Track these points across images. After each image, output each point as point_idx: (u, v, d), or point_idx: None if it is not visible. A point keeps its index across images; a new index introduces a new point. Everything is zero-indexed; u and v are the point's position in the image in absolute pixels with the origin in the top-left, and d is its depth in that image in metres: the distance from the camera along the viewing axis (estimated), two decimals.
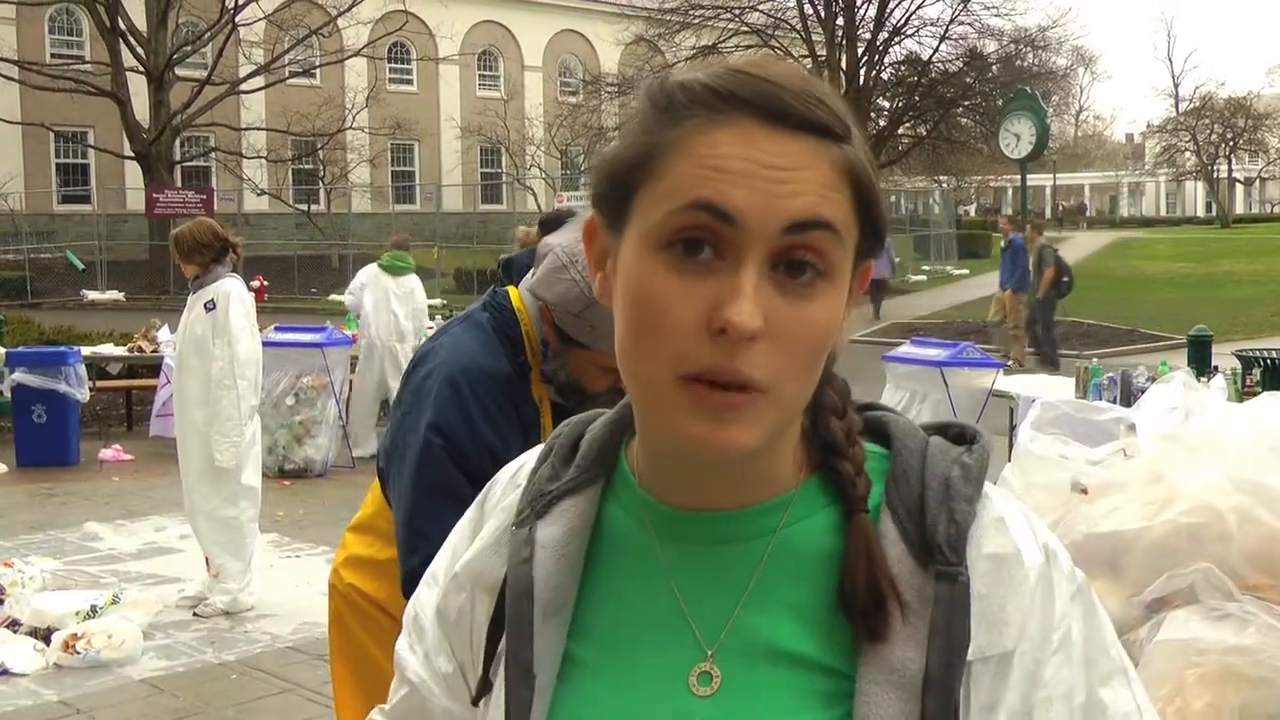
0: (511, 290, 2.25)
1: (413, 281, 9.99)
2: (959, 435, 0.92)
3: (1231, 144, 54.87)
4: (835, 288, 0.82)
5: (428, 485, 2.09)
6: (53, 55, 31.63)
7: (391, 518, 2.36)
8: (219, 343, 5.78)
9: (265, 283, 13.81)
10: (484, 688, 0.94)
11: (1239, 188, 60.25)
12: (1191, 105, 57.25)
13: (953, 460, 0.87)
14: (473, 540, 1.01)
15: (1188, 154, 56.23)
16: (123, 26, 25.81)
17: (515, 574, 0.91)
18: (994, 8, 27.92)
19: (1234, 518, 2.26)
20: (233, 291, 5.82)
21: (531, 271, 2.19)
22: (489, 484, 1.05)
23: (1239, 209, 57.03)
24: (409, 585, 2.10)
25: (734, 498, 0.87)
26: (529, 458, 1.02)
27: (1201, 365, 6.25)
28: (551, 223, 2.20)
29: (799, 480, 0.88)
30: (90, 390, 10.05)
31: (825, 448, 0.89)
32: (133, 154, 27.19)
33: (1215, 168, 55.92)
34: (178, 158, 28.87)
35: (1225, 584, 2.21)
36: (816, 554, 0.86)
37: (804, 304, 0.79)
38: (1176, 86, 66.46)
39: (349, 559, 2.50)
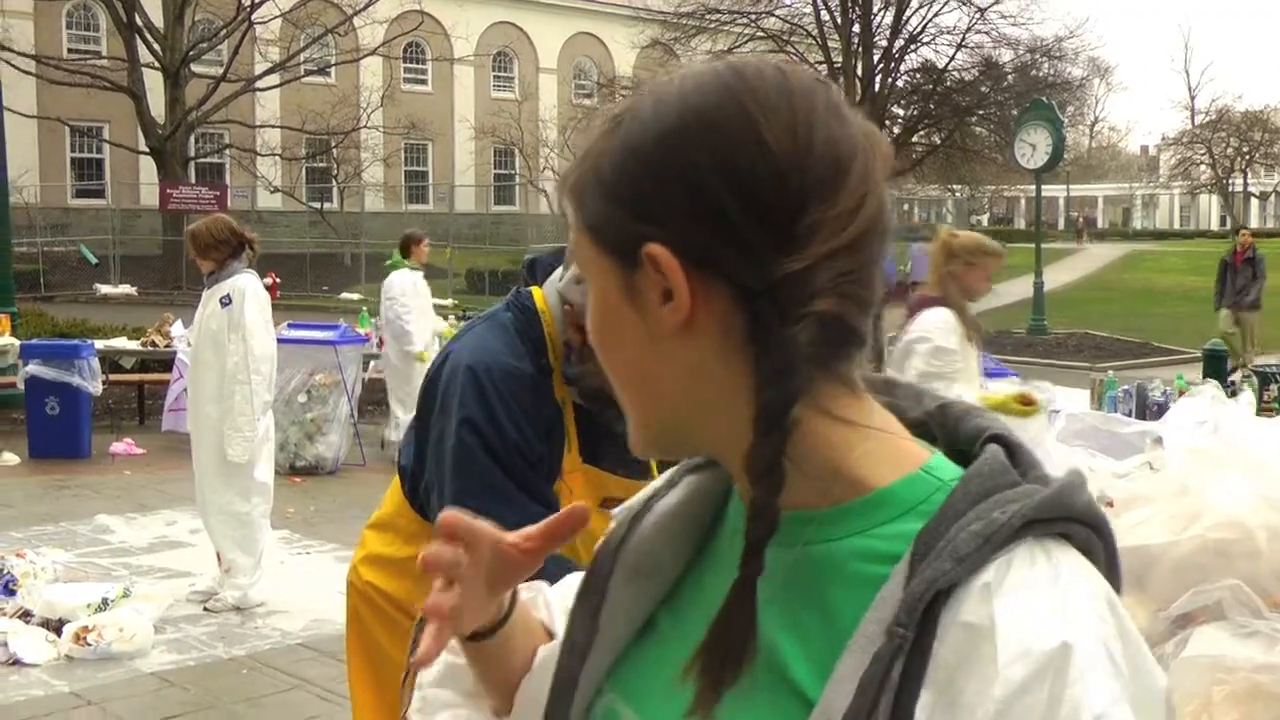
0: (535, 291, 2.24)
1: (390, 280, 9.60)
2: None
3: (1247, 158, 54.69)
4: (593, 291, 0.87)
5: (468, 485, 2.09)
6: (69, 50, 31.75)
7: (412, 516, 2.37)
8: (234, 338, 5.78)
9: (278, 280, 13.79)
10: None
11: (1254, 202, 60.04)
12: (1207, 118, 57.09)
13: (988, 513, 0.76)
14: None
15: (1203, 167, 56.05)
16: (139, 23, 25.91)
17: (617, 527, 0.95)
18: (1011, 17, 27.93)
19: (1263, 535, 2.24)
20: (248, 287, 5.83)
21: (559, 273, 2.18)
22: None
23: (1254, 223, 56.76)
24: None
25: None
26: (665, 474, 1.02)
27: (1219, 380, 6.21)
28: None
29: (852, 496, 0.81)
30: (103, 384, 10.07)
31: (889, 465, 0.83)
32: (147, 149, 27.27)
33: (1230, 181, 55.74)
34: (192, 154, 28.97)
35: (1254, 601, 2.19)
36: (838, 577, 0.80)
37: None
38: (1193, 99, 66.26)
39: (368, 557, 2.49)
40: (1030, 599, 0.73)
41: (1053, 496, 0.76)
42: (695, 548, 0.92)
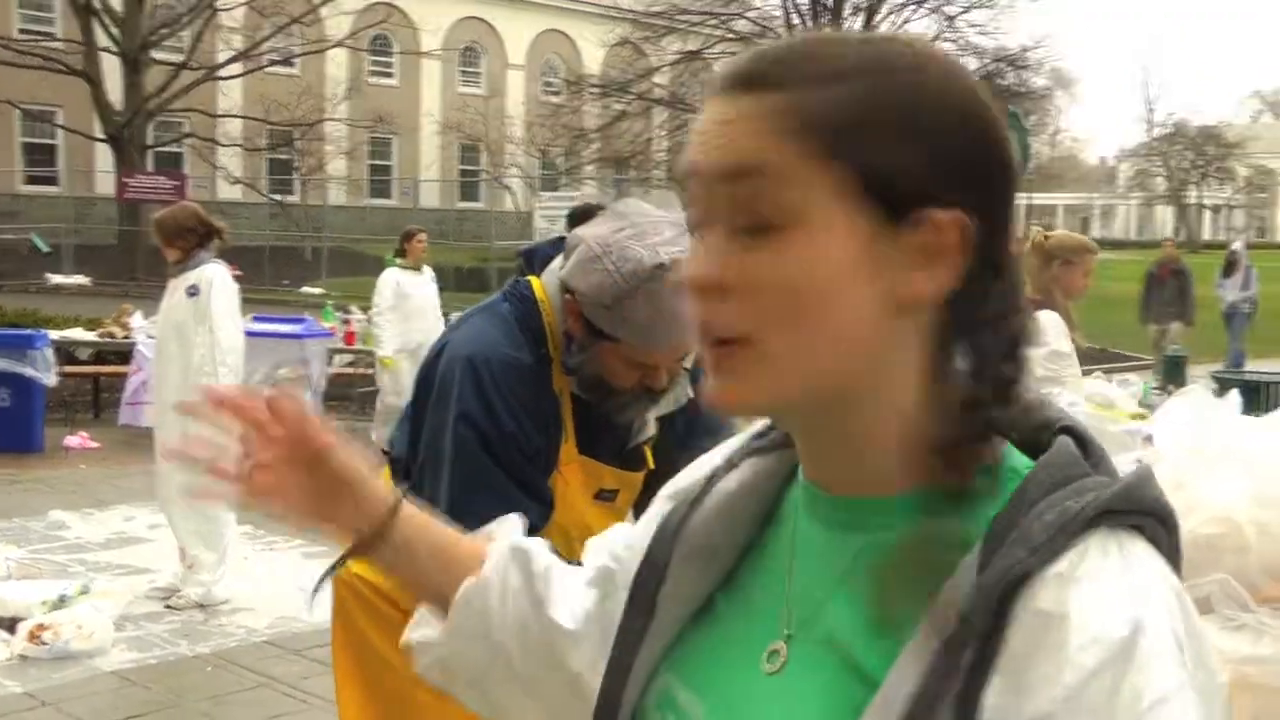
0: (534, 281, 2.21)
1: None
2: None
3: (1202, 171, 55.70)
4: (810, 235, 0.77)
5: (465, 480, 2.07)
6: (21, 31, 31.14)
7: None
8: (201, 329, 5.66)
9: (239, 273, 13.58)
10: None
11: (1207, 214, 61.02)
12: (1164, 131, 58.04)
13: (1062, 502, 0.75)
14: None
15: (1159, 179, 57.03)
16: (97, 5, 25.47)
17: (675, 511, 0.95)
18: (979, 26, 28.20)
19: (1252, 531, 2.30)
20: (216, 277, 5.71)
21: (561, 262, 2.14)
22: (676, 476, 1.03)
23: (1206, 235, 57.66)
24: None
25: (846, 483, 0.84)
26: (716, 456, 1.00)
27: (1178, 386, 6.32)
28: (581, 215, 2.17)
29: (914, 483, 0.81)
30: (58, 375, 9.84)
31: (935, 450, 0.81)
32: (104, 136, 26.84)
33: (1185, 193, 56.68)
34: (150, 142, 28.54)
35: (1241, 595, 2.25)
36: (915, 563, 0.79)
37: (766, 254, 0.78)
38: (1151, 112, 67.35)
39: None
40: (1103, 588, 0.73)
41: (1126, 488, 0.77)
42: (754, 531, 0.93)
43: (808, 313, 0.77)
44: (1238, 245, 17.82)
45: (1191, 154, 55.30)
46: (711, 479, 0.95)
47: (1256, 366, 13.39)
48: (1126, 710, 0.69)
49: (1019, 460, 0.82)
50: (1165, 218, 63.56)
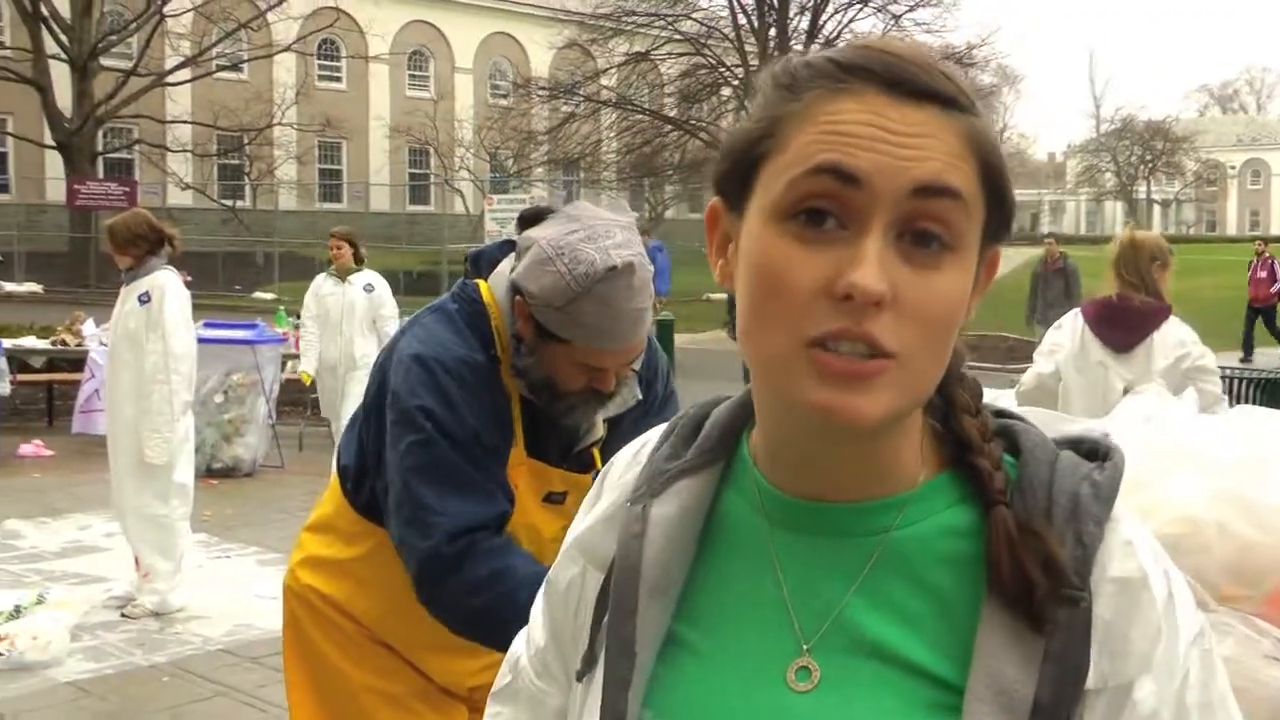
0: (481, 284, 2.21)
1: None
2: (1092, 450, 0.87)
3: (1150, 166, 56.28)
4: (962, 263, 0.80)
5: (425, 471, 2.05)
6: None
7: (353, 517, 2.32)
8: (153, 336, 5.64)
9: (189, 279, 13.49)
10: (589, 663, 0.94)
11: (1156, 209, 61.79)
12: (1112, 127, 58.63)
13: (1083, 476, 0.83)
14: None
15: (1108, 174, 57.58)
16: (45, 12, 25.16)
17: (624, 550, 0.91)
18: (925, 24, 28.43)
19: (1213, 530, 2.30)
20: (168, 284, 5.69)
21: (512, 264, 2.15)
22: (610, 461, 1.03)
23: (1156, 229, 58.31)
24: (431, 565, 2.04)
25: (851, 490, 0.86)
26: (652, 436, 1.00)
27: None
28: (532, 218, 2.16)
29: (919, 480, 0.86)
30: (10, 384, 9.75)
31: (958, 445, 0.87)
32: (54, 143, 26.50)
33: (1134, 188, 57.30)
34: (100, 149, 28.21)
35: (1203, 595, 2.25)
36: (933, 557, 0.84)
37: (931, 274, 0.78)
38: (1098, 108, 68.11)
39: (306, 559, 2.42)
40: (1146, 546, 0.83)
41: (1122, 458, 0.85)
42: (695, 555, 0.91)
43: (943, 338, 0.80)
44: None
45: (1140, 149, 55.85)
46: (644, 509, 0.92)
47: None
48: (1182, 645, 0.82)
49: None
50: (1115, 213, 64.31)
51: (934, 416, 0.88)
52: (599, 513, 0.98)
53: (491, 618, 1.95)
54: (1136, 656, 0.80)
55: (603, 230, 2.01)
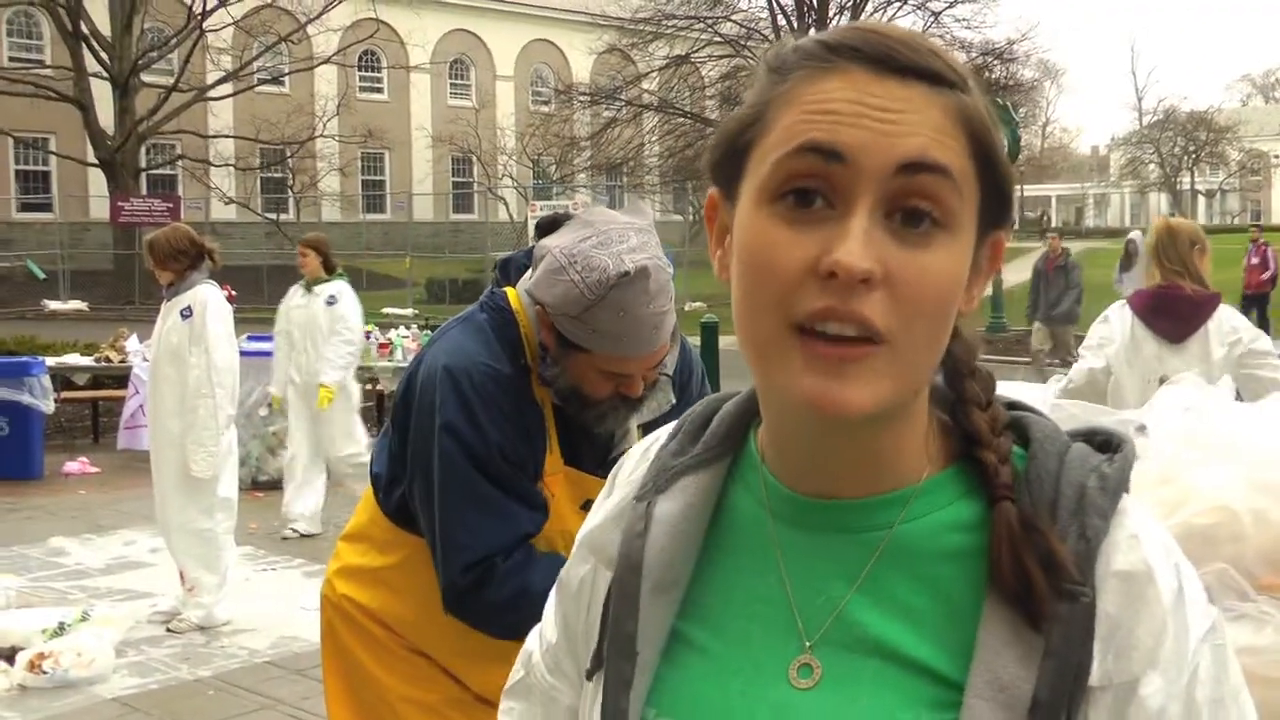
0: (509, 291, 2.20)
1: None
2: (1105, 443, 0.85)
3: (1194, 156, 55.72)
4: (956, 242, 0.78)
5: (450, 492, 2.06)
6: (11, 59, 31.17)
7: (386, 525, 2.33)
8: (195, 350, 5.64)
9: (234, 293, 13.58)
10: (598, 661, 0.92)
11: (1201, 199, 61.02)
12: (1155, 118, 58.10)
13: (1091, 469, 0.81)
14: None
15: (1151, 166, 57.08)
16: (85, 30, 25.49)
17: (628, 547, 0.91)
18: (964, 20, 28.29)
19: (1249, 518, 2.28)
20: (210, 298, 5.69)
21: (529, 273, 2.13)
22: (622, 458, 1.02)
23: (1201, 220, 57.59)
24: (451, 594, 2.08)
25: (856, 485, 0.84)
26: (663, 433, 0.99)
27: None
28: (548, 225, 2.14)
29: (925, 474, 0.84)
30: (55, 402, 9.82)
31: (966, 439, 0.84)
32: (96, 161, 26.84)
33: (1178, 180, 56.72)
34: (143, 165, 28.57)
35: (1241, 584, 2.22)
36: (937, 553, 0.82)
37: (921, 252, 0.76)
38: (1140, 100, 67.50)
39: (342, 569, 2.43)
40: (1154, 541, 0.80)
41: (1132, 450, 0.83)
42: (700, 553, 0.91)
43: (938, 320, 0.78)
44: (1135, 235, 15.66)
45: (1183, 140, 55.31)
46: (648, 506, 0.92)
47: None
48: (1192, 640, 0.78)
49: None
50: (1159, 204, 63.59)
51: (942, 409, 0.87)
52: (608, 510, 0.97)
53: (529, 626, 1.93)
54: (1142, 652, 0.77)
55: (616, 235, 1.97)
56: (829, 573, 0.84)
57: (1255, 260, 18.24)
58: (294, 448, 7.82)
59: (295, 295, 7.80)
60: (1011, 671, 0.76)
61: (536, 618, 1.13)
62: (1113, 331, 4.25)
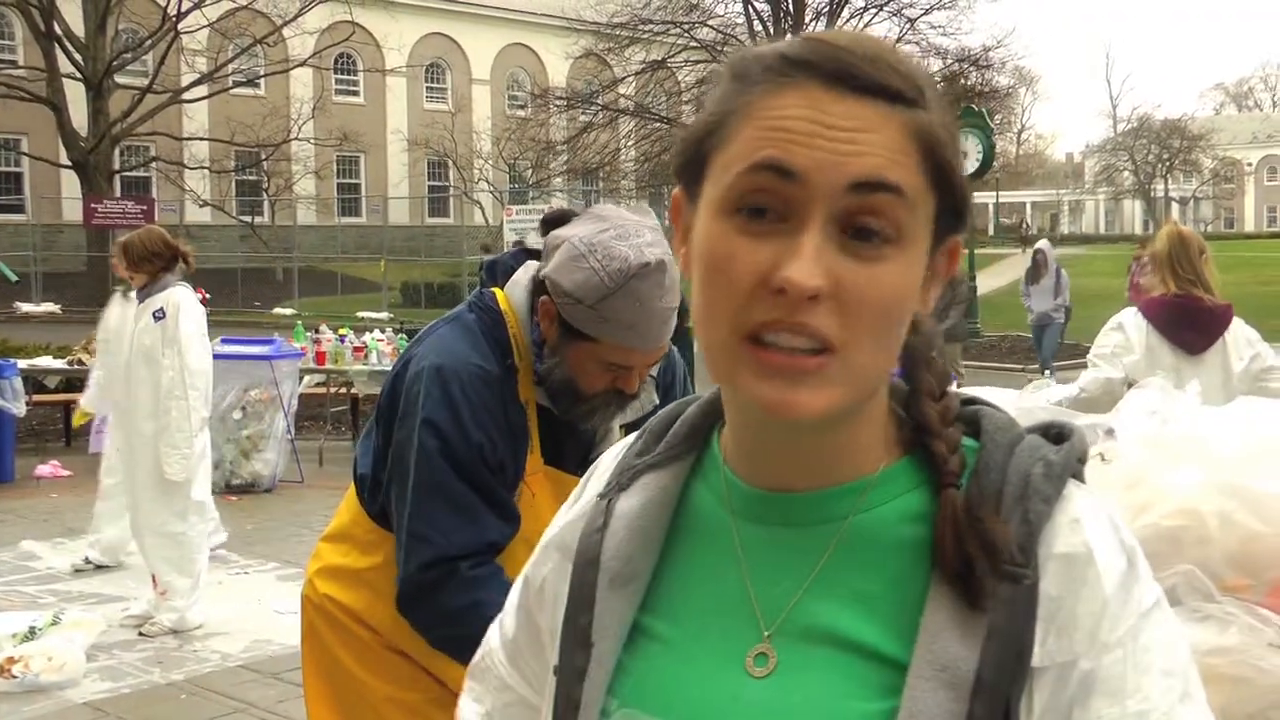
0: (497, 292, 2.21)
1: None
2: (1059, 435, 0.88)
3: (1167, 164, 56.22)
4: (908, 255, 0.80)
5: (424, 487, 2.06)
6: None
7: (369, 526, 2.34)
8: (169, 352, 5.62)
9: (208, 296, 13.52)
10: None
11: (1175, 206, 61.54)
12: (1129, 126, 58.57)
13: (1038, 457, 0.84)
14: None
15: (1125, 173, 57.57)
16: (59, 31, 25.28)
17: (585, 542, 0.94)
18: (940, 27, 28.41)
19: (1216, 521, 2.30)
20: (183, 301, 5.68)
21: (536, 269, 2.15)
22: (595, 462, 1.04)
23: None
24: (405, 589, 2.07)
25: (812, 479, 0.86)
26: (634, 437, 1.02)
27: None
28: (556, 220, 2.18)
29: (881, 466, 0.87)
30: (27, 405, 9.74)
31: (918, 429, 0.87)
32: (69, 163, 26.63)
33: (1152, 187, 57.17)
34: (117, 167, 28.34)
35: (1206, 585, 2.24)
36: (891, 541, 0.85)
37: (873, 266, 0.78)
38: (1115, 108, 67.93)
39: (323, 569, 2.42)
40: (1100, 525, 0.83)
41: (1082, 440, 0.86)
42: (664, 547, 0.93)
43: (889, 330, 0.80)
44: (1044, 245, 15.10)
45: (1157, 147, 55.84)
46: (609, 503, 0.95)
47: None
48: (1133, 614, 0.81)
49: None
50: (1133, 211, 64.08)
51: (899, 401, 0.89)
52: (576, 509, 1.00)
53: (467, 646, 1.93)
54: (1083, 633, 0.79)
55: (633, 229, 2.02)
56: (786, 564, 0.86)
57: (1143, 280, 16.48)
58: (114, 481, 6.64)
59: (115, 304, 6.83)
60: (954, 652, 0.78)
61: (477, 642, 1.16)
62: (1129, 341, 4.14)
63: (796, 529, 0.87)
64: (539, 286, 2.09)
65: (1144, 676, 0.79)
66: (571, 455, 2.22)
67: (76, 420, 7.57)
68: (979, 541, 0.80)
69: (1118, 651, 0.79)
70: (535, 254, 2.22)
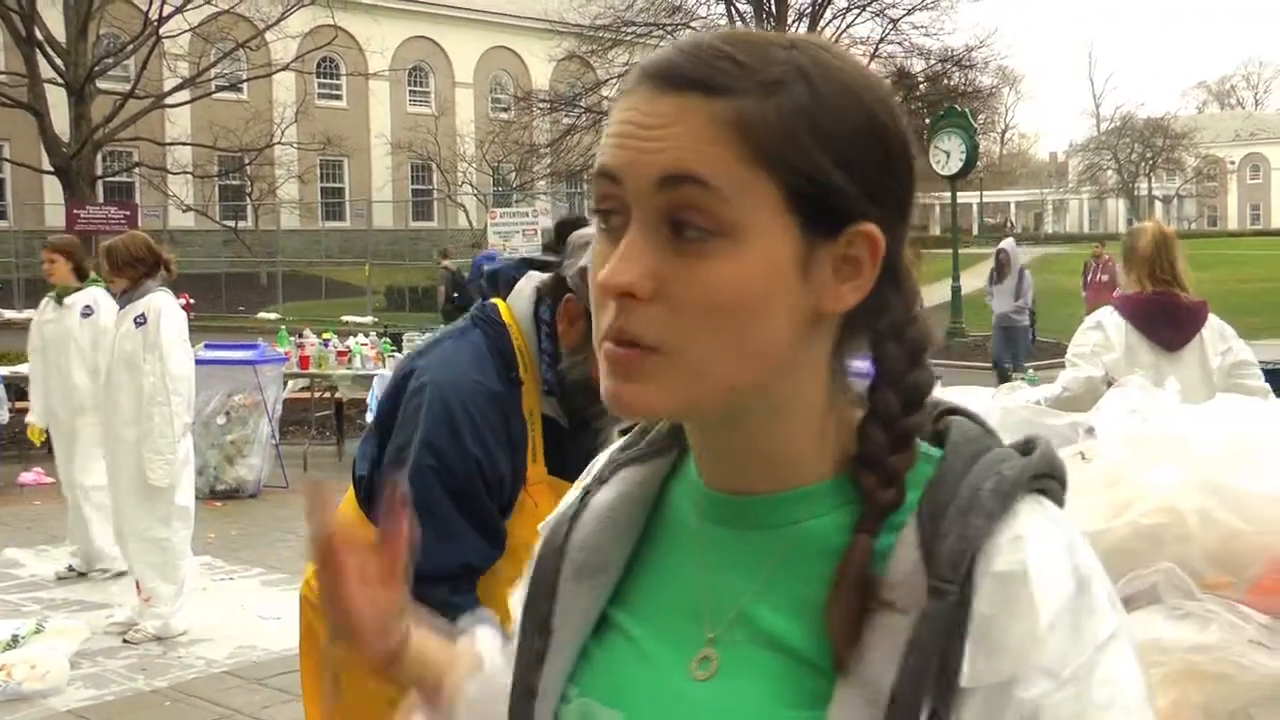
0: (499, 303, 2.23)
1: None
2: (1029, 449, 0.85)
3: (1151, 163, 56.46)
4: (744, 247, 0.77)
5: (414, 503, 2.05)
6: None
7: (368, 526, 2.32)
8: (150, 358, 5.61)
9: (192, 301, 13.48)
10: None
11: (1158, 205, 61.81)
12: (1112, 125, 58.82)
13: (994, 471, 0.80)
14: None
15: (1109, 172, 57.80)
16: (40, 36, 25.13)
17: (555, 530, 0.96)
18: (923, 28, 28.46)
19: (1195, 518, 2.31)
20: (164, 305, 5.67)
21: (561, 266, 2.17)
22: (595, 459, 1.04)
23: None
24: None
25: (762, 482, 0.85)
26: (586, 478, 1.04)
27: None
28: (572, 223, 2.21)
29: (834, 473, 0.85)
30: (10, 411, 9.70)
31: (859, 455, 0.84)
32: (52, 169, 26.49)
33: (1135, 186, 57.41)
34: (100, 173, 28.18)
35: (1186, 583, 2.25)
36: (831, 551, 0.83)
37: (696, 263, 0.77)
38: (1098, 106, 68.23)
39: None
40: (1048, 545, 0.78)
41: (1045, 455, 0.82)
42: (638, 542, 0.93)
43: (732, 326, 0.77)
44: (1007, 244, 15.04)
45: (1140, 146, 56.08)
46: (585, 495, 0.96)
47: None
48: (1087, 648, 0.76)
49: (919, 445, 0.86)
50: (1117, 210, 64.31)
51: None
52: (565, 502, 1.01)
53: None
54: (1014, 655, 0.76)
55: None
56: (737, 567, 0.86)
57: (1104, 277, 15.84)
58: (69, 478, 6.80)
59: (47, 308, 6.82)
60: (876, 669, 0.76)
61: None
62: (1109, 339, 4.17)
63: (751, 531, 0.86)
64: (553, 289, 2.11)
65: (1103, 713, 0.76)
66: (575, 465, 2.23)
67: (35, 438, 7.25)
68: (866, 594, 0.78)
69: (1070, 689, 0.75)
70: (537, 264, 2.25)
